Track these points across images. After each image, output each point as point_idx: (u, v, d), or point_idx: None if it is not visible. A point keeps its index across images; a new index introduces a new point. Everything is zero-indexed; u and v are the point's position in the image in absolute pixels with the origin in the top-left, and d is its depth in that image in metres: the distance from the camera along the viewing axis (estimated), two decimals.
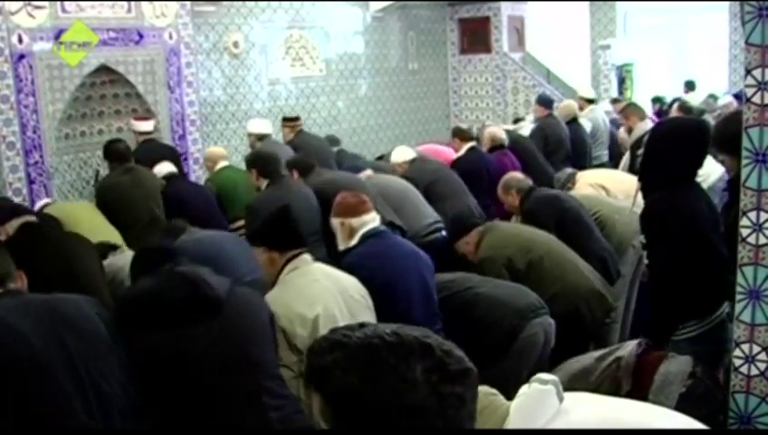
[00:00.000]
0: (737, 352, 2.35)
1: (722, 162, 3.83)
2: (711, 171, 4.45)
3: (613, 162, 7.12)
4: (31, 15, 5.66)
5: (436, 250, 3.92)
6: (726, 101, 8.89)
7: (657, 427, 1.38)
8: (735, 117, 2.42)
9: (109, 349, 2.19)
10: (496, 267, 3.72)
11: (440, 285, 3.37)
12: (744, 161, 2.24)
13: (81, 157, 6.38)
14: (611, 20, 13.12)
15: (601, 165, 7.02)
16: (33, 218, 3.63)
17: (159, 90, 6.67)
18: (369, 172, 5.29)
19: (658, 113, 8.63)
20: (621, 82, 12.43)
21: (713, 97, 9.57)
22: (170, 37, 6.70)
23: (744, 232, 2.27)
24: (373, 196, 3.97)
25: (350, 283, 2.90)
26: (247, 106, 8.55)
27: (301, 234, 2.92)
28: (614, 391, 2.36)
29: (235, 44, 8.41)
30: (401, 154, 5.65)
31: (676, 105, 7.79)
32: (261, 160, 4.69)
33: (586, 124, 7.27)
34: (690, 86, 11.26)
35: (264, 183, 4.57)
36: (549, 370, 2.43)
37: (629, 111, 6.08)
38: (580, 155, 6.91)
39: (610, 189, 4.88)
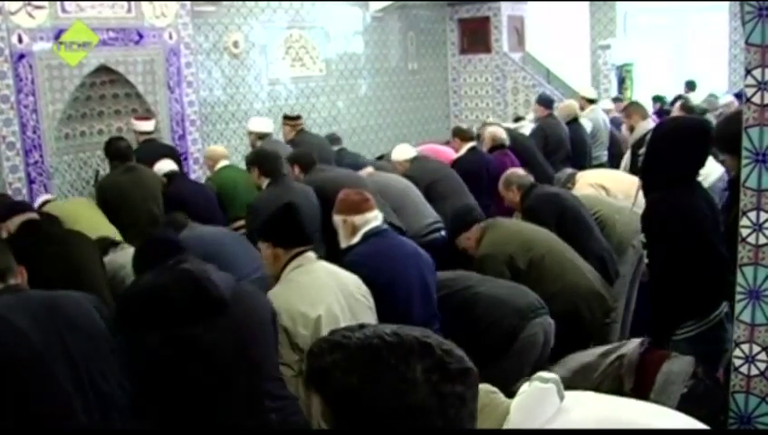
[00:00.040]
0: (737, 352, 2.35)
1: (722, 162, 3.84)
2: (711, 171, 4.45)
3: (612, 162, 7.12)
4: (31, 15, 5.65)
5: (435, 250, 3.92)
6: (728, 100, 8.89)
7: (659, 427, 1.38)
8: (737, 117, 2.42)
9: (109, 348, 2.19)
10: (497, 265, 3.71)
11: (440, 283, 3.37)
12: (744, 161, 2.24)
13: (81, 157, 6.38)
14: (611, 20, 13.12)
15: (600, 165, 7.02)
16: (34, 215, 3.62)
17: (159, 90, 6.67)
18: (369, 169, 5.28)
19: (659, 112, 8.62)
20: (621, 81, 12.44)
21: (713, 96, 9.57)
22: (170, 37, 6.70)
23: (744, 232, 2.27)
24: (373, 194, 3.96)
25: (353, 282, 2.89)
26: (247, 106, 8.55)
27: (306, 231, 2.91)
28: (616, 389, 2.36)
29: (235, 44, 8.41)
30: (402, 152, 5.65)
31: (678, 104, 7.79)
32: (263, 159, 4.67)
33: (586, 124, 7.27)
34: (691, 86, 11.26)
35: (265, 182, 4.56)
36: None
37: (631, 109, 6.07)
38: (580, 155, 6.91)
39: (610, 189, 4.88)
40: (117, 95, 6.54)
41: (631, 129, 5.89)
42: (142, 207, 4.65)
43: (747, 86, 2.20)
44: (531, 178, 4.57)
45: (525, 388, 1.46)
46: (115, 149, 5.17)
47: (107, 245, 3.80)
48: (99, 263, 3.47)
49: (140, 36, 6.45)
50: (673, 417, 1.46)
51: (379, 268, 3.06)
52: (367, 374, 1.05)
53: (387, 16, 10.37)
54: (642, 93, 11.32)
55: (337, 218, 3.30)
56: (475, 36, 11.44)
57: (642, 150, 2.93)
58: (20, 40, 5.60)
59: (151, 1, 6.49)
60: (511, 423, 1.43)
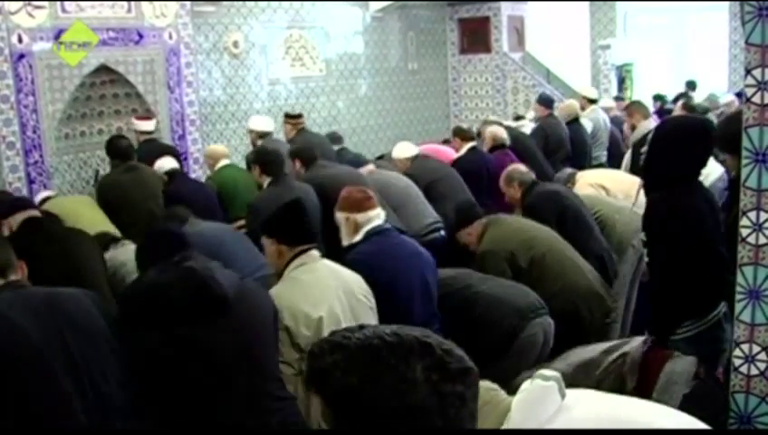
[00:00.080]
0: (737, 352, 2.35)
1: (723, 162, 3.83)
2: (711, 171, 4.44)
3: (611, 162, 7.12)
4: (31, 15, 5.66)
5: (435, 249, 3.92)
6: (728, 99, 8.89)
7: (662, 426, 1.38)
8: (737, 116, 2.41)
9: (109, 347, 2.19)
10: (498, 262, 3.70)
11: (440, 282, 3.37)
12: (744, 161, 2.24)
13: (81, 157, 6.38)
14: (611, 20, 13.12)
15: (600, 165, 7.02)
16: (36, 213, 3.60)
17: (159, 90, 6.67)
18: (371, 167, 5.27)
19: (659, 111, 8.62)
20: (621, 81, 12.44)
21: (714, 96, 9.57)
22: (170, 37, 6.70)
23: (744, 232, 2.27)
24: (374, 192, 3.96)
25: (356, 283, 2.88)
26: (247, 106, 8.55)
27: (311, 229, 2.89)
28: (618, 387, 2.34)
29: (235, 44, 8.41)
30: (403, 150, 5.64)
31: (679, 103, 7.79)
32: (264, 157, 4.64)
33: (587, 124, 7.27)
34: (691, 86, 11.26)
35: (266, 181, 4.53)
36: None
37: (633, 108, 6.07)
38: (580, 155, 6.91)
39: (610, 189, 4.88)
40: (117, 95, 6.54)
41: (633, 128, 5.88)
42: (143, 207, 4.64)
43: (747, 86, 2.20)
44: (532, 175, 4.56)
45: (527, 385, 1.45)
46: (116, 148, 5.16)
47: (107, 241, 3.79)
48: (99, 260, 3.46)
49: (140, 36, 6.45)
50: (677, 417, 1.46)
51: (381, 267, 3.06)
52: (367, 374, 1.05)
53: (387, 16, 10.37)
54: (642, 93, 11.32)
55: (339, 216, 3.29)
56: (475, 36, 11.44)
57: (644, 149, 2.92)
58: (20, 40, 5.60)
59: (151, 1, 6.49)
60: (512, 421, 1.43)
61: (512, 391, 1.52)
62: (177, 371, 2.21)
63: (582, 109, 7.47)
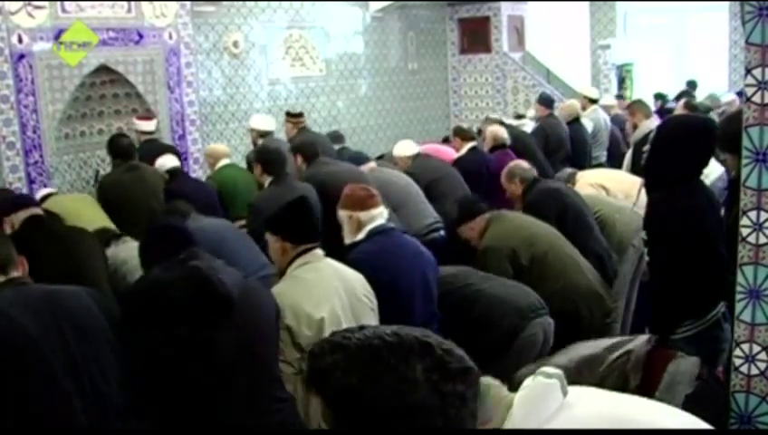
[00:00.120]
0: (737, 352, 2.35)
1: (723, 162, 3.83)
2: (711, 171, 4.44)
3: (611, 162, 7.13)
4: (31, 15, 5.66)
5: (435, 248, 3.91)
6: (730, 98, 8.89)
7: (665, 426, 1.38)
8: (738, 116, 2.41)
9: (109, 347, 2.18)
10: (500, 259, 3.69)
11: (441, 279, 3.36)
12: (744, 161, 2.24)
13: (81, 157, 6.39)
14: (611, 20, 13.12)
15: (599, 165, 7.02)
16: (38, 211, 3.59)
17: (159, 90, 6.67)
18: (372, 165, 5.24)
19: (660, 110, 8.62)
20: (621, 81, 12.44)
21: (715, 95, 9.56)
22: (170, 37, 6.70)
23: (745, 231, 2.27)
24: None
25: (358, 283, 2.87)
26: (247, 106, 8.55)
27: (316, 228, 2.87)
28: (621, 385, 2.32)
29: (235, 44, 8.41)
30: (404, 148, 5.62)
31: (681, 102, 7.79)
32: (266, 156, 4.60)
33: (588, 124, 7.27)
34: (692, 86, 11.26)
35: (267, 180, 4.50)
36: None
37: (635, 107, 6.06)
38: (580, 155, 6.91)
39: (611, 189, 4.87)
40: (117, 95, 6.54)
41: (634, 127, 5.88)
42: (144, 206, 4.61)
43: (747, 85, 2.20)
44: (534, 172, 4.54)
45: (529, 382, 1.45)
46: (117, 147, 5.13)
47: (108, 237, 3.78)
48: (100, 257, 3.45)
49: (140, 36, 6.45)
50: (680, 416, 1.45)
51: (383, 267, 3.05)
52: (367, 374, 1.05)
53: (387, 16, 10.37)
54: (642, 93, 11.32)
55: (342, 214, 3.28)
56: (475, 36, 11.45)
57: (646, 148, 2.91)
58: (20, 40, 5.60)
59: (151, 1, 6.49)
60: (513, 417, 1.43)
61: (513, 385, 1.52)
62: (178, 370, 2.21)
63: (583, 109, 7.46)
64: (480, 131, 6.68)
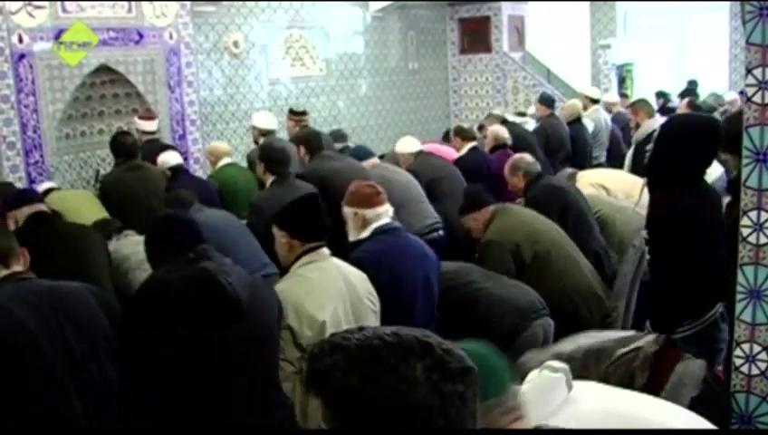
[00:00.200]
0: (738, 352, 2.35)
1: (724, 162, 3.83)
2: (711, 171, 4.43)
3: (612, 162, 7.13)
4: (31, 15, 5.65)
5: (433, 248, 3.91)
6: (732, 97, 8.89)
7: (670, 425, 1.38)
8: (739, 116, 2.41)
9: (110, 346, 2.18)
10: (503, 253, 3.67)
11: (442, 276, 3.35)
12: (745, 161, 2.24)
13: (82, 157, 6.38)
14: (611, 20, 13.11)
15: (599, 165, 7.02)
16: (43, 207, 3.56)
17: (160, 89, 6.67)
18: (374, 161, 5.21)
19: (662, 109, 8.62)
20: (621, 81, 12.43)
21: (717, 95, 9.55)
22: (170, 37, 6.70)
23: (745, 231, 2.28)
24: None
25: (361, 285, 2.86)
26: (247, 106, 8.55)
27: (325, 226, 2.84)
28: (627, 382, 2.29)
29: (235, 44, 8.41)
30: (407, 145, 5.60)
31: (685, 101, 7.78)
32: (271, 155, 4.52)
33: (588, 124, 7.27)
34: (693, 85, 11.24)
35: (269, 179, 4.44)
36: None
37: (638, 106, 6.05)
38: (580, 155, 6.91)
39: (611, 189, 4.87)
40: (117, 95, 6.54)
41: (637, 126, 5.87)
42: (145, 205, 4.60)
43: (748, 85, 2.20)
44: (538, 167, 4.52)
45: (534, 375, 1.45)
46: (120, 145, 5.08)
47: (110, 230, 3.76)
48: (103, 253, 3.43)
49: (141, 36, 6.45)
50: (685, 415, 1.45)
51: (387, 267, 3.04)
52: (367, 374, 1.05)
53: (387, 16, 10.37)
54: (642, 93, 11.30)
55: (347, 210, 3.26)
56: (476, 36, 11.44)
57: (649, 147, 2.90)
58: (20, 40, 5.60)
59: (151, 1, 6.49)
60: None
61: (517, 370, 1.52)
62: (179, 370, 2.20)
63: (584, 108, 7.47)
64: (482, 127, 6.66)
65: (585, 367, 2.09)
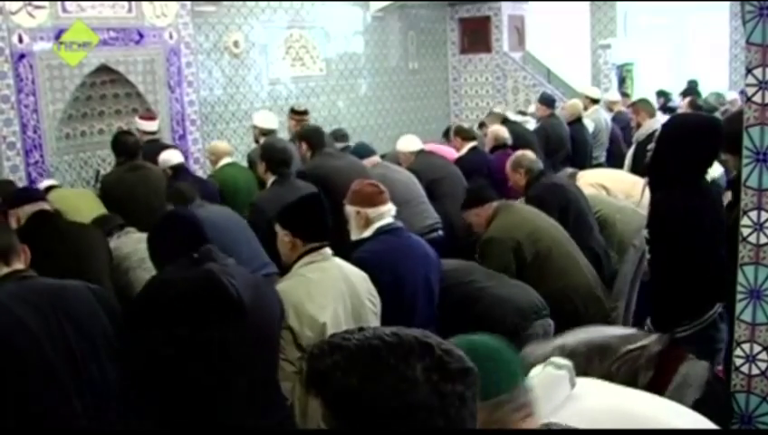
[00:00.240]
0: (738, 352, 2.35)
1: (724, 162, 3.83)
2: (711, 171, 4.43)
3: (612, 161, 7.13)
4: (31, 15, 5.66)
5: (433, 248, 3.91)
6: (732, 96, 8.89)
7: (672, 424, 1.37)
8: (739, 116, 2.41)
9: (110, 346, 2.18)
10: (503, 250, 3.66)
11: (443, 273, 3.35)
12: (745, 161, 2.24)
13: (82, 157, 6.39)
14: (612, 19, 13.10)
15: (599, 165, 7.02)
16: (46, 206, 3.54)
17: (160, 89, 6.67)
18: (375, 159, 5.20)
19: (662, 108, 8.62)
20: (621, 81, 12.43)
21: (718, 94, 9.55)
22: (170, 37, 6.70)
23: (745, 231, 2.28)
24: None
25: (363, 286, 2.85)
26: (248, 106, 8.55)
27: (328, 227, 2.82)
28: (630, 381, 2.29)
29: (236, 44, 8.41)
30: (408, 143, 5.59)
31: (686, 100, 7.78)
32: (272, 154, 4.49)
33: (589, 124, 7.27)
34: (694, 85, 11.24)
35: (270, 179, 4.43)
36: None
37: (639, 106, 6.05)
38: (580, 155, 6.91)
39: (611, 189, 4.87)
40: (117, 95, 6.54)
41: (638, 125, 5.86)
42: (146, 206, 4.59)
43: (748, 85, 2.20)
44: (540, 165, 4.50)
45: (538, 371, 1.44)
46: (122, 144, 5.06)
47: (112, 227, 3.75)
48: (104, 252, 3.42)
49: (141, 36, 6.45)
50: (688, 415, 1.45)
51: (389, 268, 3.04)
52: (367, 375, 1.05)
53: (387, 16, 10.36)
54: (642, 93, 11.29)
55: (350, 209, 3.25)
56: (476, 36, 11.44)
57: (651, 146, 2.89)
58: (20, 40, 5.60)
59: (152, 1, 6.49)
60: None
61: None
62: (179, 370, 2.20)
63: (585, 108, 7.47)
64: (483, 125, 6.64)
65: (589, 363, 2.08)
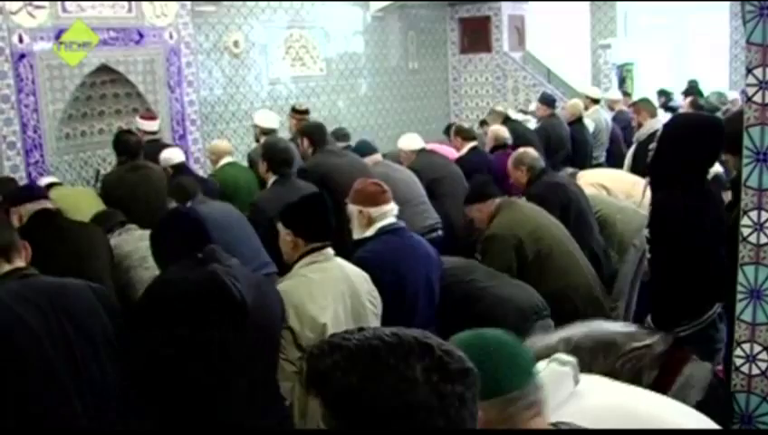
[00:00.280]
0: (738, 352, 2.35)
1: (725, 162, 3.83)
2: (711, 170, 4.43)
3: (612, 161, 7.13)
4: (31, 15, 5.66)
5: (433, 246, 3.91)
6: (733, 96, 8.88)
7: (675, 424, 1.37)
8: (739, 116, 2.41)
9: (111, 347, 2.18)
10: (505, 247, 3.65)
11: (445, 271, 3.34)
12: (745, 160, 2.24)
13: (82, 156, 6.39)
14: (612, 19, 13.10)
15: (598, 165, 7.02)
16: (48, 204, 3.53)
17: (160, 89, 6.67)
18: (376, 157, 5.19)
19: (664, 107, 8.62)
20: (622, 81, 12.43)
21: (719, 94, 9.54)
22: (170, 37, 6.70)
23: (745, 231, 2.28)
24: None
25: (363, 287, 2.84)
26: (248, 106, 8.55)
27: (330, 227, 2.81)
28: (633, 380, 2.28)
29: (236, 44, 8.41)
30: (409, 142, 5.58)
31: (688, 100, 7.78)
32: (274, 154, 4.45)
33: (589, 124, 7.27)
34: (694, 84, 11.23)
35: (271, 178, 4.40)
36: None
37: (641, 105, 6.03)
38: (581, 155, 6.91)
39: (611, 189, 4.87)
40: (117, 95, 6.54)
41: (639, 125, 5.85)
42: (146, 206, 4.57)
43: (748, 85, 2.20)
44: (542, 163, 4.48)
45: (542, 366, 1.43)
46: (124, 144, 5.04)
47: (113, 224, 3.75)
48: (105, 250, 3.41)
49: (141, 36, 6.45)
50: (691, 415, 1.44)
51: (390, 268, 3.03)
52: (366, 375, 1.05)
53: (387, 16, 10.37)
54: (642, 93, 11.28)
55: (353, 208, 3.24)
56: (476, 36, 11.44)
57: (652, 146, 2.89)
58: (20, 40, 5.60)
59: (152, 1, 6.49)
60: None
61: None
62: (179, 370, 2.20)
63: (585, 108, 7.47)
64: (484, 123, 6.62)
65: (594, 358, 2.06)
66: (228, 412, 2.23)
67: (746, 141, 2.22)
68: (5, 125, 5.57)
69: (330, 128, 8.46)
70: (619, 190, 4.80)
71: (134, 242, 3.55)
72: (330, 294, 2.68)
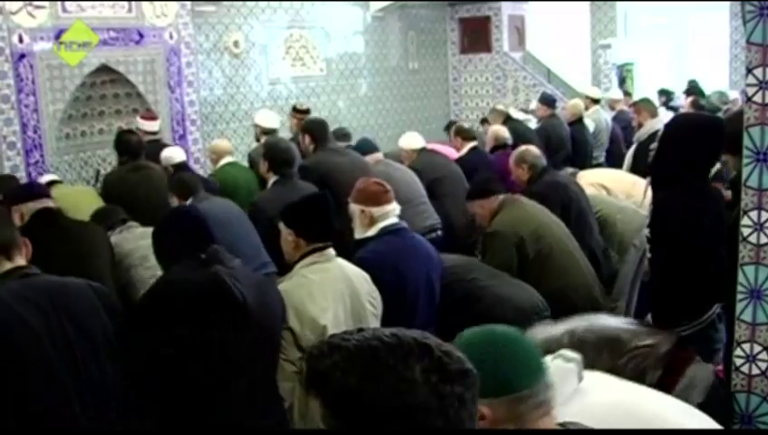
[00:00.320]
0: (738, 352, 2.35)
1: (725, 162, 3.83)
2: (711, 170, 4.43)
3: (612, 161, 7.13)
4: (31, 15, 5.66)
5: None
6: (733, 96, 8.89)
7: (677, 423, 1.36)
8: (739, 116, 2.41)
9: (111, 347, 2.18)
10: (506, 245, 3.64)
11: (446, 269, 3.34)
12: (745, 160, 2.24)
13: (82, 156, 6.39)
14: (612, 19, 13.10)
15: (598, 165, 7.02)
16: (50, 203, 3.51)
17: (160, 89, 6.67)
18: (377, 156, 5.17)
19: (665, 107, 8.61)
20: (622, 81, 12.42)
21: (721, 93, 9.54)
22: (171, 37, 6.71)
23: (746, 231, 2.28)
24: None
25: (363, 287, 2.84)
26: (248, 106, 8.55)
27: (332, 227, 2.80)
28: (637, 378, 2.26)
29: (236, 44, 8.41)
30: (410, 141, 5.58)
31: (689, 100, 7.78)
32: (275, 154, 4.43)
33: (589, 124, 7.27)
34: (694, 83, 11.21)
35: (272, 178, 4.39)
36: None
37: (641, 105, 6.03)
38: (581, 155, 6.91)
39: (611, 189, 4.87)
40: (117, 95, 6.54)
41: (639, 125, 5.85)
42: (147, 206, 4.56)
43: (748, 85, 2.20)
44: (544, 162, 4.47)
45: (547, 362, 1.43)
46: (125, 143, 5.03)
47: (113, 222, 3.74)
48: (106, 250, 3.40)
49: (141, 36, 6.45)
50: (694, 416, 1.44)
51: (391, 269, 3.03)
52: (366, 375, 1.05)
53: (387, 16, 10.37)
54: (643, 93, 11.28)
55: (354, 207, 3.23)
56: (476, 36, 11.44)
57: (653, 146, 2.89)
58: (20, 40, 5.61)
59: (152, 1, 6.49)
60: None
61: None
62: (179, 370, 2.20)
63: (586, 109, 7.46)
64: (485, 121, 6.61)
65: (598, 354, 2.05)
66: (228, 412, 2.23)
67: (746, 141, 2.22)
68: (5, 125, 5.57)
69: (330, 128, 8.50)
70: (619, 190, 4.80)
71: (135, 240, 3.55)
72: (330, 294, 2.68)
